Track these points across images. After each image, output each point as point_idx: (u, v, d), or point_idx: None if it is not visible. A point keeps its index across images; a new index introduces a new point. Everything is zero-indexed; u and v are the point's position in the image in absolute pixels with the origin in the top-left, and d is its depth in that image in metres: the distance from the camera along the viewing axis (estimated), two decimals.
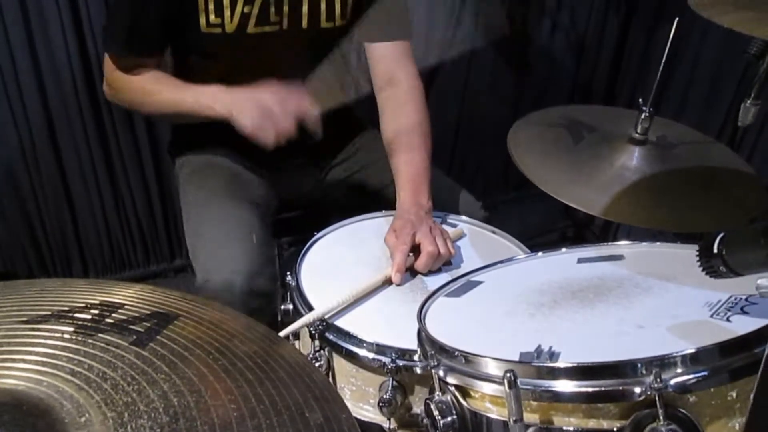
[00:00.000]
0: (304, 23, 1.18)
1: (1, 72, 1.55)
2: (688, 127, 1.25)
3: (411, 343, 0.84)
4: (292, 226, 1.44)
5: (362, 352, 0.88)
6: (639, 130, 1.10)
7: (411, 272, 1.04)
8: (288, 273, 1.04)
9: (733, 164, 1.13)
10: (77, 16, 1.57)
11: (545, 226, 2.27)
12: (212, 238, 1.13)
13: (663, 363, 0.55)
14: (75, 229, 1.85)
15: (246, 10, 1.12)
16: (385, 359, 0.86)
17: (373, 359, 0.87)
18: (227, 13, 1.11)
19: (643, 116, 1.09)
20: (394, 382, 0.87)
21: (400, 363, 0.85)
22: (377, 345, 0.87)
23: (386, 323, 0.94)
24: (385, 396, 0.88)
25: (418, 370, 0.85)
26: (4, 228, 1.74)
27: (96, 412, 0.52)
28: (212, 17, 1.11)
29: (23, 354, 0.58)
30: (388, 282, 1.02)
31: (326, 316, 0.93)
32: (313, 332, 0.93)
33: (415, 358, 0.85)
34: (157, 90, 1.16)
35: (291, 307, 1.03)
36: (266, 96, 1.03)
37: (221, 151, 1.30)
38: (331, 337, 0.92)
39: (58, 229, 1.82)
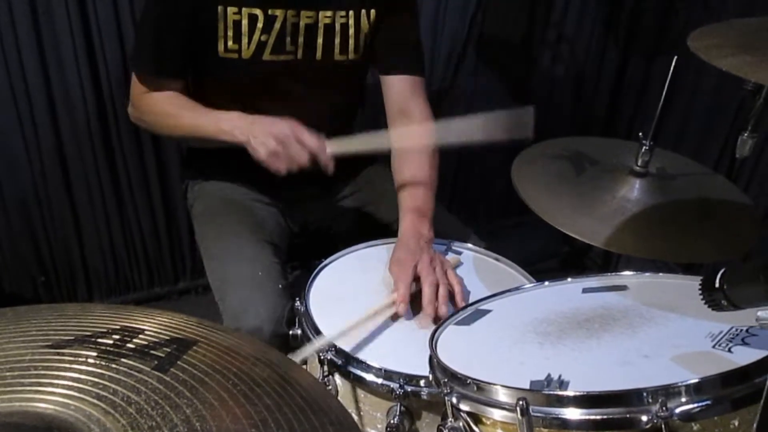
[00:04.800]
0: (319, 55, 1.21)
1: (14, 99, 1.58)
2: (688, 159, 1.28)
3: (418, 369, 0.86)
4: (296, 252, 1.46)
5: (370, 377, 0.90)
6: (639, 163, 1.14)
7: (417, 302, 1.05)
8: (297, 299, 1.06)
9: (730, 195, 1.16)
10: (90, 42, 1.60)
11: (546, 252, 2.30)
12: (240, 285, 1.15)
13: (668, 392, 0.57)
14: (81, 252, 1.87)
15: (263, 38, 1.16)
16: (393, 385, 0.88)
17: (382, 384, 0.89)
18: (245, 40, 1.15)
19: (643, 150, 1.12)
20: (402, 408, 0.89)
21: (408, 388, 0.88)
22: (385, 371, 0.89)
23: (394, 349, 0.96)
24: (393, 421, 0.90)
25: (425, 396, 0.88)
26: (12, 250, 1.76)
27: None
28: (230, 43, 1.15)
29: (50, 378, 0.60)
30: (395, 318, 1.04)
31: (335, 342, 0.95)
32: (322, 358, 0.95)
33: (422, 383, 0.87)
34: (179, 114, 1.19)
35: (300, 332, 1.05)
36: (284, 127, 1.07)
37: (234, 182, 1.33)
38: (339, 362, 0.94)
39: (64, 251, 1.84)
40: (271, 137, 1.06)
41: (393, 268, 1.09)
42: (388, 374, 0.89)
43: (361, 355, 0.93)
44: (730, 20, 0.95)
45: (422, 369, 0.83)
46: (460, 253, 1.21)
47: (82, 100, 1.66)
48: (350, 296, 1.08)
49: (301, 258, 1.52)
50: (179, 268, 2.03)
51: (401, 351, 0.95)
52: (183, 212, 1.92)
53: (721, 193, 1.17)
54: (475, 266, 1.17)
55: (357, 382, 0.92)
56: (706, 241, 1.03)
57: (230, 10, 1.12)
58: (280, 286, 1.16)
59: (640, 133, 1.13)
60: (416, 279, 1.05)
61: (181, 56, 1.19)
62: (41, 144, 1.67)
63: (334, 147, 1.08)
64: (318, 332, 0.98)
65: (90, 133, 1.71)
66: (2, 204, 1.69)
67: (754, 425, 0.41)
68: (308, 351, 0.95)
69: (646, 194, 1.12)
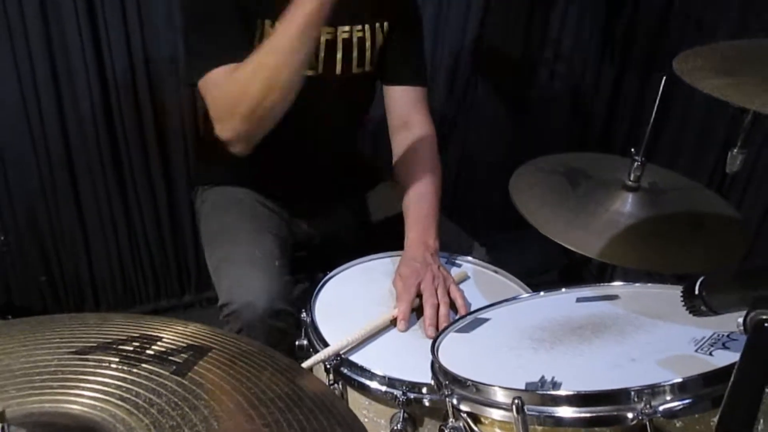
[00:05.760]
0: (338, 69, 1.25)
1: (26, 111, 1.63)
2: (678, 174, 1.33)
3: (421, 376, 0.90)
4: (301, 264, 1.50)
5: (374, 385, 0.94)
6: (632, 178, 1.18)
7: (420, 312, 1.09)
8: (302, 310, 1.10)
9: (720, 209, 1.21)
10: (100, 55, 1.65)
11: (544, 265, 2.34)
12: (236, 262, 1.18)
13: (653, 391, 0.62)
14: (89, 265, 1.90)
15: None
16: (397, 392, 0.92)
17: (385, 392, 0.93)
18: None
19: (635, 165, 1.17)
20: (405, 414, 0.92)
21: (411, 395, 0.91)
22: (389, 378, 0.93)
23: (397, 358, 0.99)
24: (396, 427, 0.93)
25: (428, 403, 0.91)
26: (22, 264, 1.80)
27: None
28: None
29: (77, 381, 0.64)
30: (394, 323, 1.08)
31: (341, 352, 0.99)
32: (328, 366, 0.99)
33: (425, 391, 0.91)
34: (264, 51, 1.05)
35: (305, 342, 1.09)
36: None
37: (242, 188, 1.36)
38: (344, 370, 0.97)
39: (72, 264, 1.88)
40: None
41: (397, 283, 1.13)
42: (391, 382, 0.93)
43: (366, 364, 0.96)
44: (718, 43, 0.99)
45: (424, 377, 0.86)
46: (460, 266, 1.25)
47: (91, 115, 1.70)
48: (354, 307, 1.12)
49: (306, 270, 1.55)
50: (185, 281, 2.07)
51: (404, 360, 0.98)
52: (189, 226, 1.97)
53: (711, 206, 1.22)
54: (474, 278, 1.21)
55: (361, 389, 0.96)
56: (696, 253, 1.07)
57: (267, 23, 1.14)
58: (276, 263, 1.18)
59: (632, 149, 1.18)
60: (419, 295, 1.09)
61: (239, 38, 1.12)
62: (51, 157, 1.71)
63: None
64: (324, 342, 1.02)
65: (99, 147, 1.75)
66: (12, 216, 1.72)
67: (717, 415, 0.45)
68: (315, 360, 0.98)
69: (638, 208, 1.16)
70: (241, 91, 1.05)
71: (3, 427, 0.49)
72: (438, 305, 1.07)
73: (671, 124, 2.21)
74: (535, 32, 2.23)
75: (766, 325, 0.49)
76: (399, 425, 0.92)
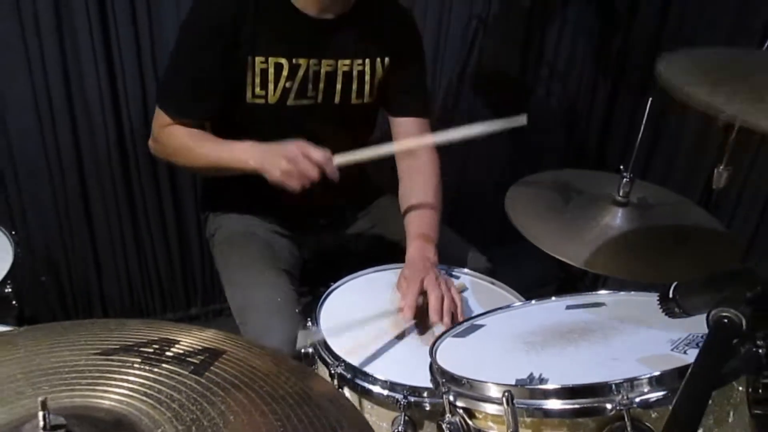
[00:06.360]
0: (337, 99, 1.32)
1: (42, 134, 1.70)
2: (668, 190, 1.39)
3: (421, 381, 0.95)
4: (307, 278, 1.55)
5: (377, 389, 0.99)
6: (621, 194, 1.25)
7: (420, 321, 1.14)
8: (308, 318, 1.16)
9: (705, 223, 1.27)
10: (114, 85, 1.73)
11: (542, 279, 2.38)
12: (260, 310, 1.24)
13: (631, 385, 0.68)
14: (98, 278, 1.96)
15: (287, 85, 1.26)
16: (398, 396, 0.97)
17: (387, 396, 0.97)
18: (271, 87, 1.26)
19: (624, 181, 1.23)
20: (406, 417, 0.97)
21: (412, 399, 0.96)
22: (391, 383, 0.98)
23: (398, 364, 1.04)
24: (397, 430, 0.98)
25: (428, 407, 0.96)
26: (33, 277, 1.86)
27: (169, 426, 0.63)
28: (257, 90, 1.26)
29: (104, 379, 0.69)
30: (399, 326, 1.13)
31: (344, 357, 1.04)
32: (332, 372, 1.04)
33: (425, 395, 0.96)
34: (199, 146, 1.27)
35: (311, 350, 1.14)
36: (291, 147, 1.15)
37: (252, 214, 1.42)
38: (348, 376, 1.02)
39: (83, 278, 1.94)
40: (281, 158, 1.14)
41: (401, 282, 1.18)
42: (393, 386, 0.97)
43: (368, 369, 1.01)
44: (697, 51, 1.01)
45: (424, 381, 0.91)
46: (458, 278, 1.31)
47: (104, 139, 1.78)
48: (359, 315, 1.17)
49: (311, 284, 1.60)
50: (191, 295, 2.13)
51: (405, 365, 1.03)
52: (196, 242, 2.03)
53: (697, 220, 1.28)
54: (472, 289, 1.27)
55: (364, 393, 1.00)
56: (681, 264, 1.13)
57: (258, 59, 1.23)
58: (297, 311, 1.25)
59: (621, 166, 1.24)
60: (423, 293, 1.14)
61: (210, 101, 1.28)
62: (64, 173, 1.77)
63: (339, 159, 1.16)
64: (329, 350, 1.07)
65: (111, 168, 1.82)
66: (25, 231, 1.78)
67: (672, 404, 0.50)
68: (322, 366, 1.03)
69: (627, 222, 1.23)
70: (164, 142, 1.32)
71: (45, 415, 0.54)
72: (442, 297, 1.11)
73: (664, 143, 2.27)
74: (532, 52, 2.30)
75: (725, 321, 0.54)
76: (401, 427, 0.97)
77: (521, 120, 1.13)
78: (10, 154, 1.69)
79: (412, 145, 1.36)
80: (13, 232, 1.32)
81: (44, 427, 0.54)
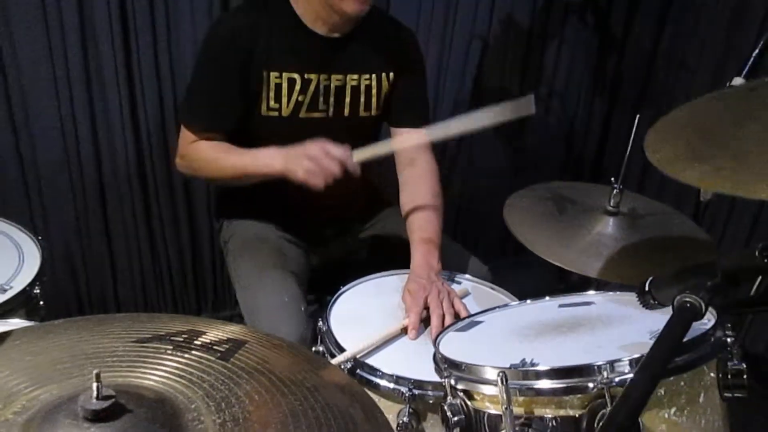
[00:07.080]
0: (347, 112, 1.41)
1: (65, 142, 1.80)
2: (656, 201, 1.47)
3: (425, 375, 1.02)
4: (315, 285, 1.63)
5: (383, 382, 1.06)
6: (612, 204, 1.33)
7: (424, 323, 1.21)
8: (320, 319, 1.23)
9: (691, 232, 1.35)
10: (134, 101, 1.83)
11: (542, 289, 2.45)
12: (271, 309, 1.31)
13: (611, 366, 0.76)
14: (114, 284, 2.05)
15: (300, 98, 1.35)
16: (403, 389, 1.04)
17: (393, 389, 1.05)
18: (284, 100, 1.34)
19: (614, 192, 1.32)
20: (410, 409, 1.04)
21: (416, 392, 1.03)
22: (396, 376, 1.05)
23: (404, 360, 1.12)
24: (402, 421, 1.05)
25: (431, 400, 1.03)
26: (52, 282, 1.93)
27: (202, 403, 0.71)
28: (272, 103, 1.34)
29: (141, 363, 0.77)
30: (405, 332, 1.20)
31: (357, 356, 1.11)
32: (342, 367, 1.11)
33: (429, 388, 1.03)
34: (224, 157, 1.35)
35: (322, 348, 1.21)
36: (313, 147, 1.23)
37: (265, 221, 1.50)
38: (356, 370, 1.10)
39: (99, 284, 2.02)
40: (304, 158, 1.22)
41: (406, 297, 1.25)
42: (398, 379, 1.05)
43: (375, 364, 1.09)
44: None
45: (428, 375, 0.99)
46: (460, 283, 1.39)
47: (124, 153, 1.87)
48: (367, 317, 1.25)
49: (317, 292, 1.67)
50: (202, 301, 2.20)
51: (410, 361, 1.11)
52: (208, 251, 2.11)
53: (684, 230, 1.36)
54: (474, 293, 1.35)
55: (371, 387, 1.08)
56: (668, 269, 1.21)
57: (273, 74, 1.32)
58: (302, 308, 1.32)
59: (612, 178, 1.33)
60: (426, 308, 1.21)
61: (230, 113, 1.36)
62: (86, 188, 1.87)
63: (358, 155, 1.24)
64: (340, 347, 1.14)
65: (129, 180, 1.91)
66: (47, 239, 1.86)
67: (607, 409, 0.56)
68: (336, 361, 1.11)
69: (618, 230, 1.31)
70: (192, 157, 1.39)
71: (98, 386, 0.62)
72: (443, 316, 1.19)
73: None
74: (531, 71, 2.40)
75: (687, 305, 0.62)
76: (406, 418, 1.04)
77: (529, 107, 1.14)
78: (35, 164, 1.79)
79: (424, 140, 1.43)
80: (40, 237, 1.42)
81: (97, 397, 0.62)
